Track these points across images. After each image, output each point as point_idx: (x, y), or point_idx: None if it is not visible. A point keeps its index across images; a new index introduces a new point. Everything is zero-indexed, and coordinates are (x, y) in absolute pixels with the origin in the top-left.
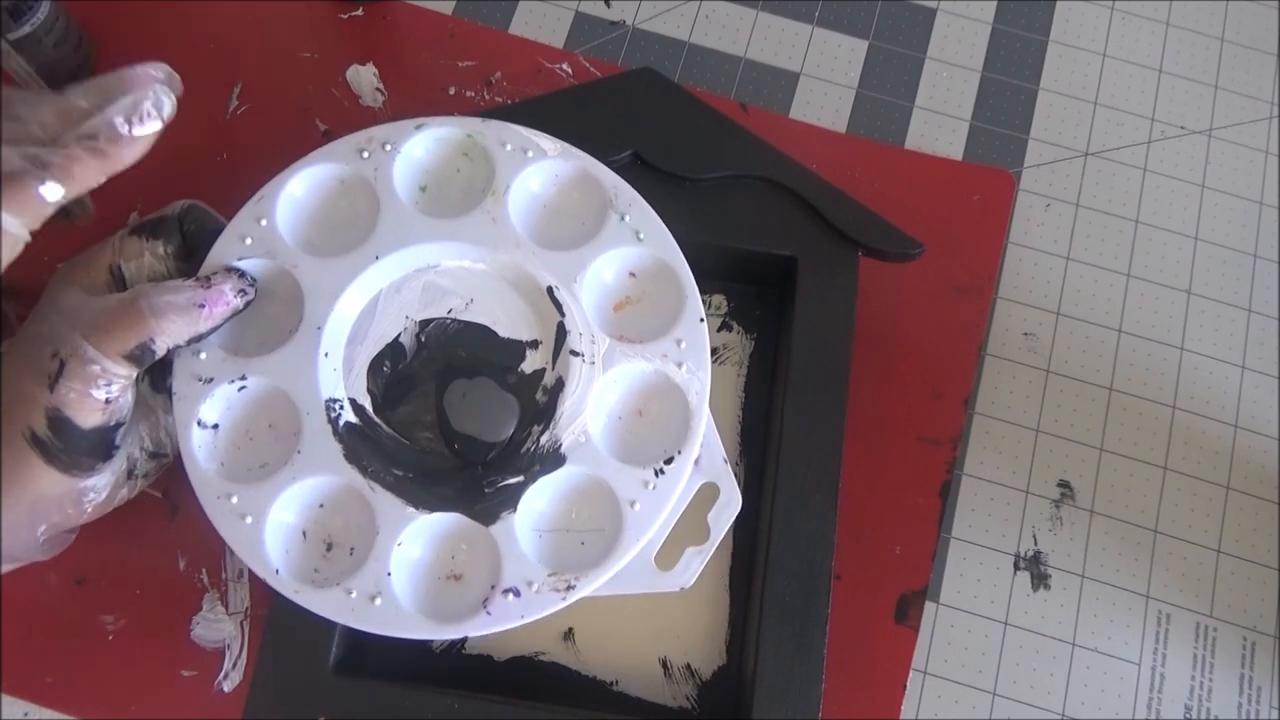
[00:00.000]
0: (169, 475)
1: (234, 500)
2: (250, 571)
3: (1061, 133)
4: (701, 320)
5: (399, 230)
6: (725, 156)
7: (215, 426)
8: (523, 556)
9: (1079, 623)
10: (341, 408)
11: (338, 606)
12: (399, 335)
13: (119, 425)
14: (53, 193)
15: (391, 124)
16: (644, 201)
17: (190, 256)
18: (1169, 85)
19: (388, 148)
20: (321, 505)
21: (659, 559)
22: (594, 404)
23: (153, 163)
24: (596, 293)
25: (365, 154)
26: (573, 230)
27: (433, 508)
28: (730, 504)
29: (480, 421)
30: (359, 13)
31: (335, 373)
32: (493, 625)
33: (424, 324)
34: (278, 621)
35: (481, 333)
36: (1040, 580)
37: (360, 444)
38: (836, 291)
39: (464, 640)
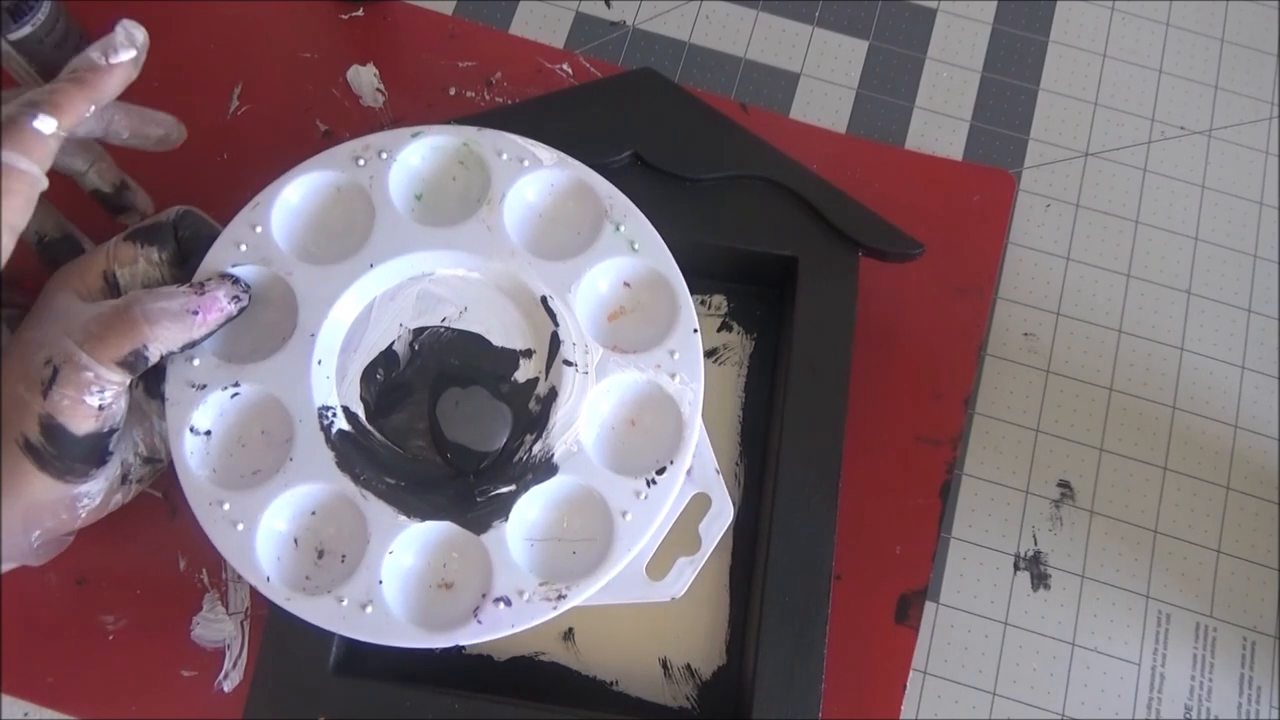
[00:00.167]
0: (169, 476)
1: (226, 507)
2: None
3: (1061, 133)
4: (695, 331)
5: (394, 238)
6: (725, 156)
7: (208, 433)
8: (514, 565)
9: (1079, 623)
10: (334, 415)
11: (329, 614)
12: (393, 343)
13: (112, 431)
14: (46, 125)
15: (388, 132)
16: (639, 212)
17: (185, 262)
18: (1169, 85)
19: (384, 155)
20: (313, 513)
21: (650, 569)
22: (587, 414)
23: (153, 163)
24: (591, 303)
25: (361, 161)
26: (568, 240)
27: (425, 516)
28: (722, 514)
29: (473, 430)
30: (359, 13)
31: (328, 380)
32: (484, 634)
33: (418, 332)
34: (278, 622)
35: (475, 341)
36: (1040, 580)
37: (353, 452)
38: (836, 291)
39: None
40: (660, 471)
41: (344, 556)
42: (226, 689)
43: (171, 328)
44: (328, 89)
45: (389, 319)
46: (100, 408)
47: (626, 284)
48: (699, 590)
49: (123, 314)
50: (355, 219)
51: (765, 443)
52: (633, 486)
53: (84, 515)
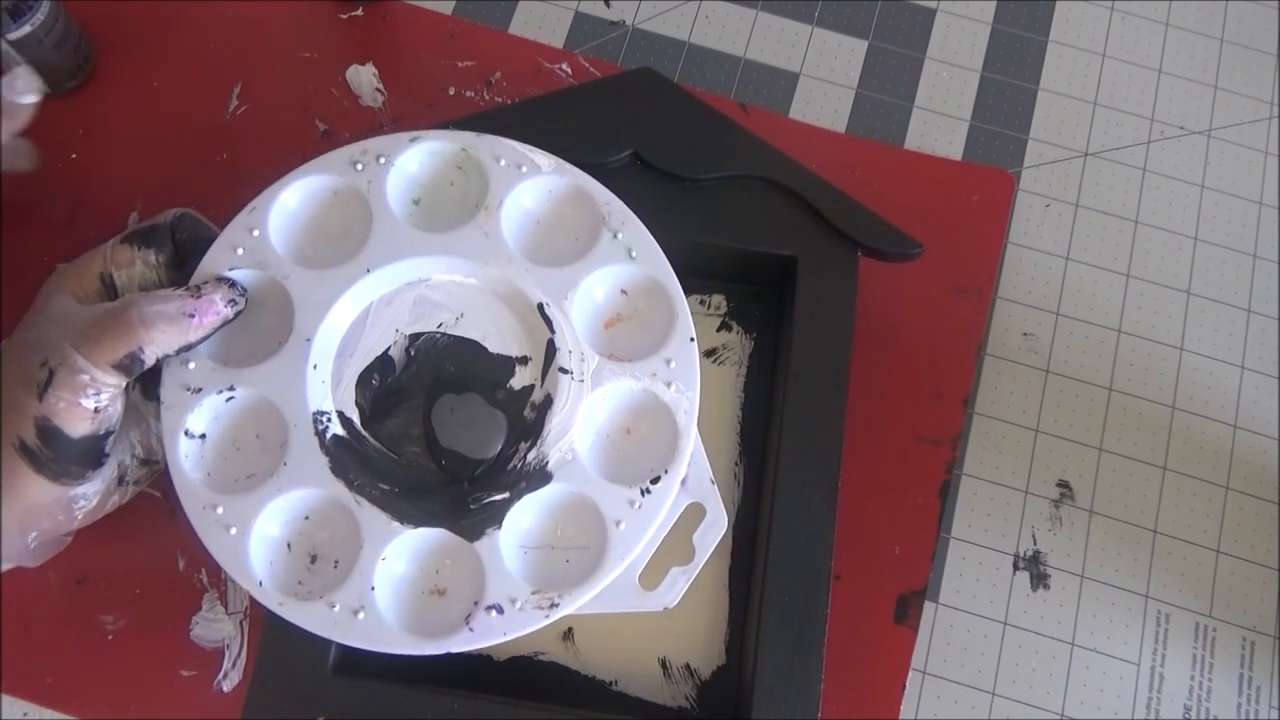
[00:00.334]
0: (167, 476)
1: (219, 511)
2: None
3: (1061, 133)
4: (692, 340)
5: (391, 243)
6: (725, 156)
7: (203, 436)
8: (507, 573)
9: (1078, 623)
10: (329, 420)
11: (320, 620)
12: (389, 349)
13: (108, 434)
14: None
15: (386, 136)
16: (637, 219)
17: (182, 265)
18: (1169, 85)
19: (382, 160)
20: (307, 518)
21: (644, 578)
22: (582, 421)
23: (153, 162)
24: (587, 310)
25: (359, 166)
26: (565, 246)
27: (418, 523)
28: (716, 524)
29: (468, 438)
30: (359, 13)
31: (324, 385)
32: (475, 642)
33: (414, 338)
34: (277, 622)
35: (471, 348)
36: (1039, 580)
37: (347, 457)
38: (836, 291)
39: None
40: (655, 480)
41: (337, 562)
42: (226, 689)
43: (167, 331)
44: (327, 88)
45: (385, 324)
46: (96, 410)
47: (623, 291)
48: (699, 591)
49: (119, 317)
50: (352, 224)
51: (765, 442)
52: (627, 495)
53: (80, 517)
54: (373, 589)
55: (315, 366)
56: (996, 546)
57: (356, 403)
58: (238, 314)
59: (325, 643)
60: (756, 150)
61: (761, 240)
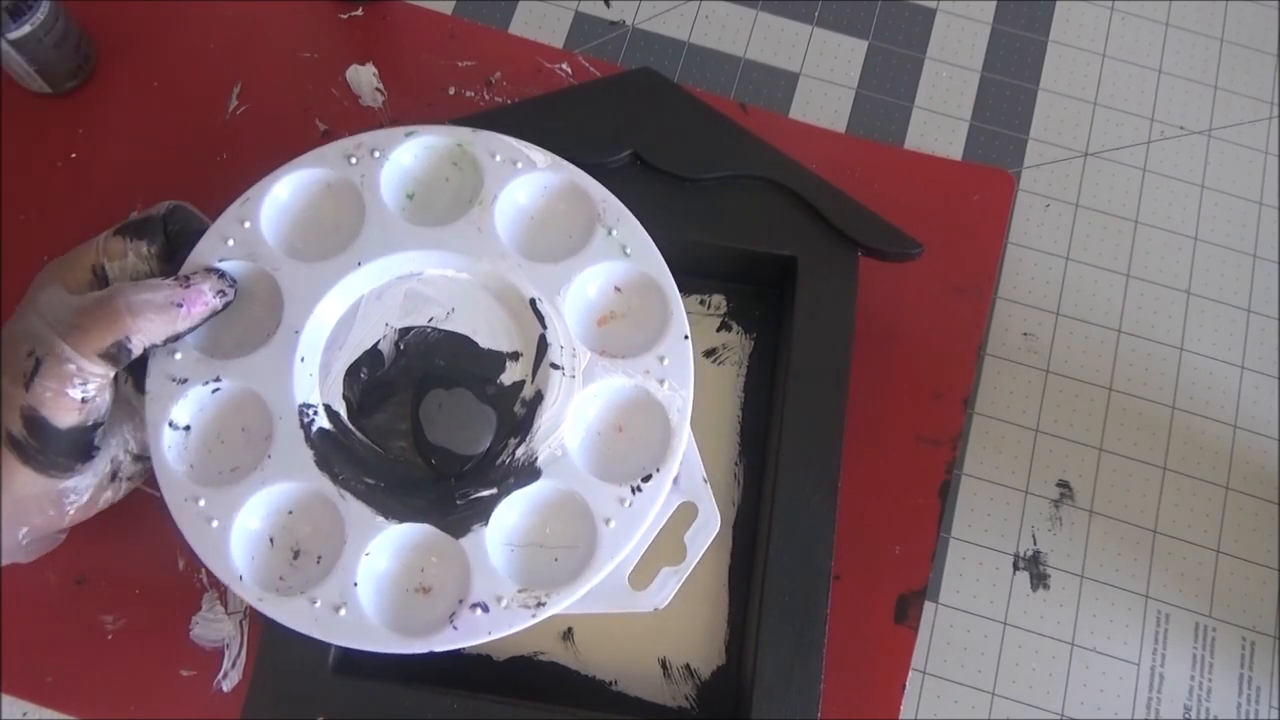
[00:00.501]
0: None
1: (201, 503)
2: None
3: (1061, 133)
4: (686, 337)
5: (383, 237)
6: (725, 156)
7: (187, 428)
8: (493, 571)
9: (1078, 623)
10: (315, 413)
11: (301, 616)
12: (378, 342)
13: (96, 425)
14: None
15: (381, 130)
16: (632, 216)
17: (174, 257)
18: (1169, 85)
19: (376, 154)
20: (290, 512)
21: (633, 578)
22: (572, 418)
23: (153, 161)
24: (580, 306)
25: (353, 160)
26: (559, 243)
27: (403, 518)
28: (709, 524)
29: (456, 434)
30: (359, 13)
31: (311, 378)
32: (459, 640)
33: (404, 332)
34: (277, 622)
35: (462, 343)
36: (1039, 580)
37: (332, 451)
38: (836, 291)
39: None
40: (646, 479)
41: (320, 557)
42: (225, 689)
43: (155, 320)
44: (327, 88)
45: (375, 318)
46: (83, 400)
47: (617, 288)
48: (698, 591)
49: (105, 305)
50: (345, 216)
51: (765, 442)
52: (617, 493)
53: (72, 512)
54: (355, 585)
55: (303, 359)
56: (996, 546)
57: (344, 396)
58: (226, 305)
59: (325, 643)
60: (756, 150)
61: (761, 240)
